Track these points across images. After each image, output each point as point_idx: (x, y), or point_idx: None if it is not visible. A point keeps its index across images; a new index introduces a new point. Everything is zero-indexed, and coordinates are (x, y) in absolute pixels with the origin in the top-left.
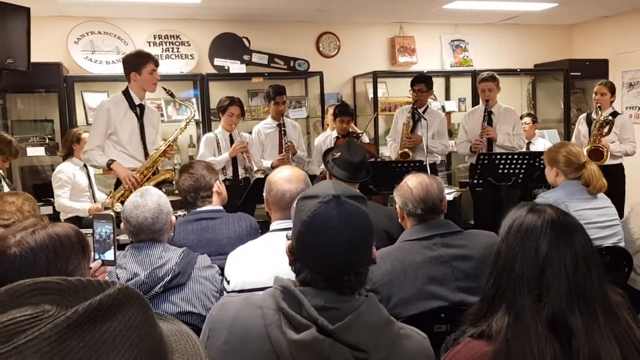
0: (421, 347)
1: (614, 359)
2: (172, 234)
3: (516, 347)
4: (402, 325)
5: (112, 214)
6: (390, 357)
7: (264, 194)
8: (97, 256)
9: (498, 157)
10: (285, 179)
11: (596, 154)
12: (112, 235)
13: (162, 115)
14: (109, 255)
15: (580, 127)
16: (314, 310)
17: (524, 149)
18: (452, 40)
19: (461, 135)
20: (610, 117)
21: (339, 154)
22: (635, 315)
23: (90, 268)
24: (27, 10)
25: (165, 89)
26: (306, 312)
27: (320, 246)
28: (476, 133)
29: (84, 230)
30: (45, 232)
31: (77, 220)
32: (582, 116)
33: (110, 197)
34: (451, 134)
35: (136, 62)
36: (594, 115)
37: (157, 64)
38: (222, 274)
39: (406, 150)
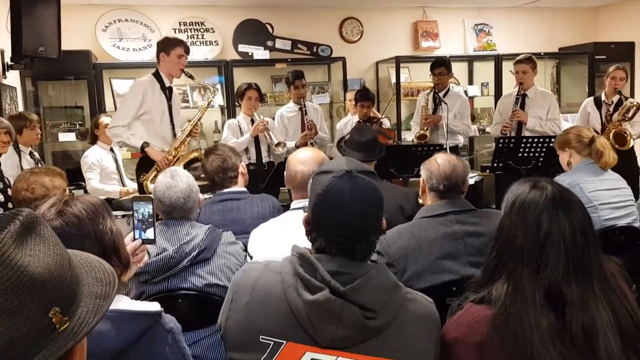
0: (427, 310)
1: (609, 326)
2: (199, 211)
3: (514, 313)
4: (409, 290)
5: (152, 196)
6: (397, 317)
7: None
8: (137, 235)
9: (517, 140)
10: (300, 160)
11: (620, 138)
12: (152, 216)
13: (187, 101)
14: (150, 233)
15: (591, 111)
16: (327, 274)
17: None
18: (475, 24)
19: (496, 117)
20: (637, 102)
21: (349, 136)
22: (631, 284)
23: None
24: None
25: (184, 72)
26: (320, 276)
27: (334, 217)
28: (509, 116)
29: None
30: (77, 201)
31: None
32: (590, 100)
33: (144, 180)
34: (474, 118)
35: (167, 44)
36: (604, 99)
37: (187, 51)
38: (245, 250)
39: (423, 131)
